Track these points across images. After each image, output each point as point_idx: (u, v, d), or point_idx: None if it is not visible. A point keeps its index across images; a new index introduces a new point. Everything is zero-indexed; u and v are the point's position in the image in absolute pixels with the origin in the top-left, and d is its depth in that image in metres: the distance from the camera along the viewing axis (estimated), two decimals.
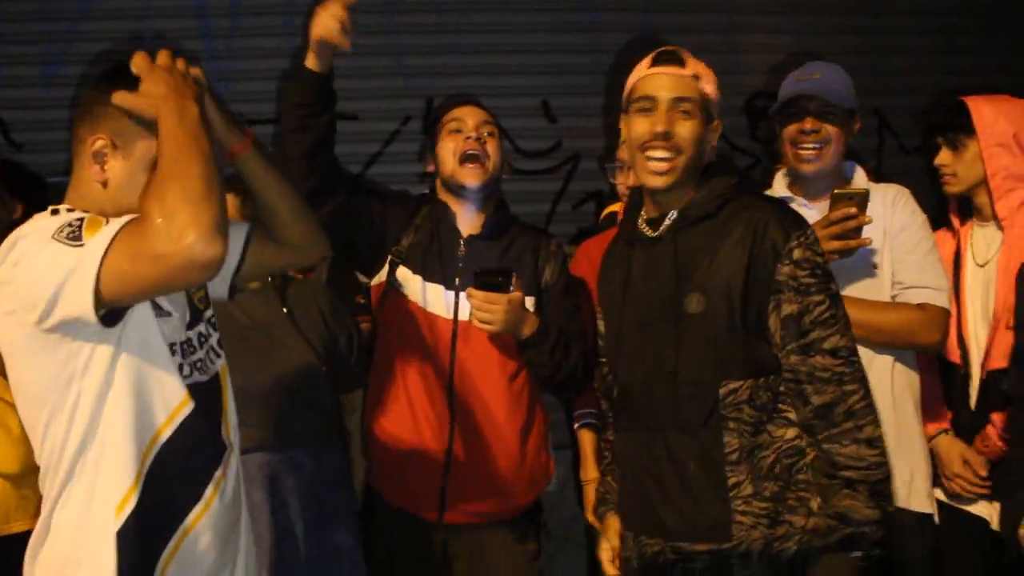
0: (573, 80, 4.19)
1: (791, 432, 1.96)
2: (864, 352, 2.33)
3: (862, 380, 1.96)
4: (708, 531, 1.97)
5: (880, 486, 1.92)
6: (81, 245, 1.50)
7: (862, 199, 2.35)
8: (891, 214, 2.51)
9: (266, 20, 4.09)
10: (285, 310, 2.79)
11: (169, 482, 1.68)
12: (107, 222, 1.54)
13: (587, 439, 2.92)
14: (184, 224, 1.45)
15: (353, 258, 2.73)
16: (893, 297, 2.48)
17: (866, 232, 2.38)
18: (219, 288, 1.89)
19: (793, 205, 2.51)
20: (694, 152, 2.02)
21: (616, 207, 3.33)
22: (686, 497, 1.98)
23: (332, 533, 2.78)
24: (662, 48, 2.08)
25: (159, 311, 1.69)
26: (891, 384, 2.49)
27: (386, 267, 2.61)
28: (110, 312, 1.55)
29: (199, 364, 1.77)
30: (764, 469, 1.95)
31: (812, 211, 2.51)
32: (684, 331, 2.00)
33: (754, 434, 1.96)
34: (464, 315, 2.48)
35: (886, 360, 2.48)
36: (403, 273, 2.58)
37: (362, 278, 2.93)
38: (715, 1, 4.32)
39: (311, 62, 2.39)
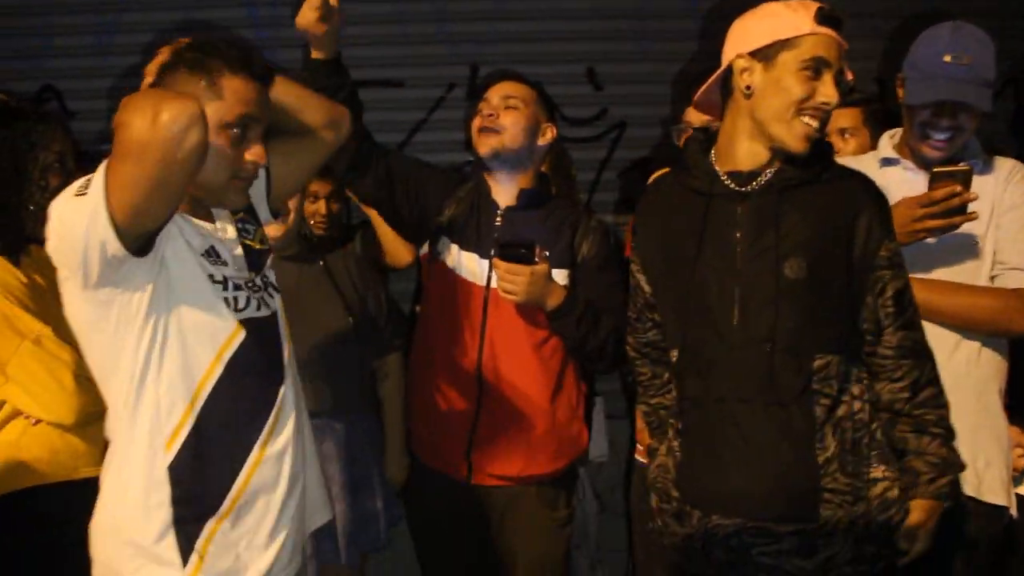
0: (619, 46, 4.14)
1: (859, 405, 1.99)
2: (950, 336, 2.32)
3: (928, 351, 2.06)
4: (796, 510, 1.94)
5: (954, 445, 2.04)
6: (86, 193, 1.57)
7: (965, 176, 2.24)
8: (1003, 190, 2.38)
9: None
10: (325, 271, 2.86)
11: (224, 415, 1.75)
12: None
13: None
14: (155, 111, 1.51)
15: (398, 227, 2.82)
16: (992, 278, 2.36)
17: (973, 206, 2.26)
18: (261, 211, 1.99)
19: (898, 168, 2.45)
20: None
21: (665, 171, 3.30)
22: (774, 475, 1.94)
23: (365, 497, 2.88)
24: (824, 5, 1.97)
25: (212, 257, 1.77)
26: (977, 370, 2.37)
27: (431, 237, 2.69)
28: (138, 240, 1.61)
29: (259, 300, 1.85)
30: (848, 443, 1.95)
31: (918, 176, 2.41)
32: (782, 296, 1.95)
33: (833, 408, 1.96)
34: (496, 284, 2.53)
35: (973, 345, 2.37)
36: (444, 243, 2.66)
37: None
38: None
39: (314, 51, 2.48)
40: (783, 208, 1.97)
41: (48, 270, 2.33)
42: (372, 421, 2.99)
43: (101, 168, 1.58)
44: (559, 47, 4.11)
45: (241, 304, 1.81)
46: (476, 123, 2.68)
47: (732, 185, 2.03)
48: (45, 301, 2.30)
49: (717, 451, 2.01)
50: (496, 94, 2.67)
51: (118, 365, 1.71)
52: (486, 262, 2.60)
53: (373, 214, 3.08)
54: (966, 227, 2.29)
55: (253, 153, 1.76)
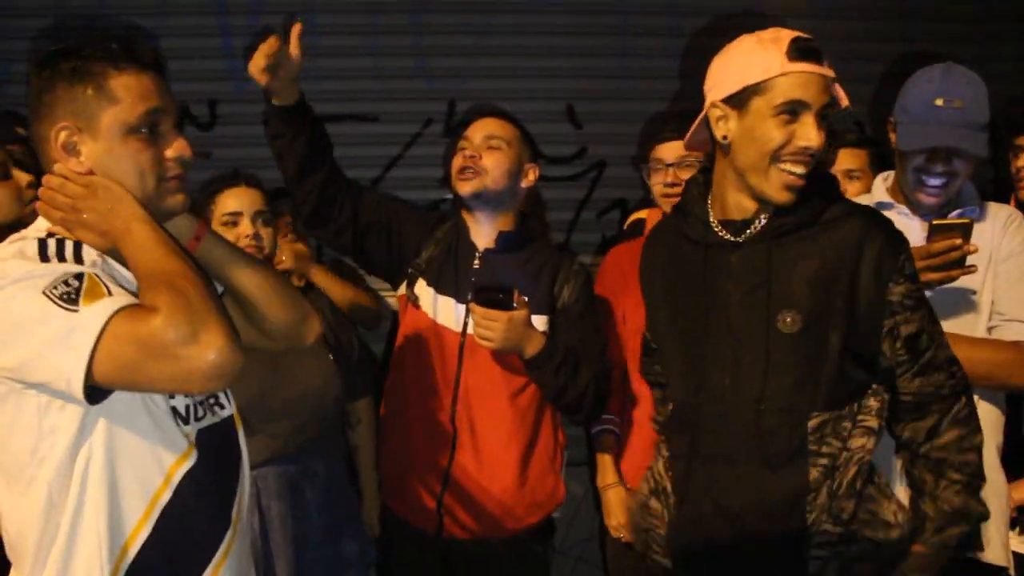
0: (599, 84, 4.07)
1: (870, 442, 1.86)
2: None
3: (967, 387, 1.92)
4: (783, 568, 1.84)
5: (980, 492, 1.91)
6: (75, 311, 1.35)
7: (965, 229, 2.17)
8: (1000, 238, 2.31)
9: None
10: None
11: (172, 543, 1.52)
12: (108, 291, 1.39)
13: (605, 445, 2.82)
14: (206, 332, 1.35)
15: (370, 269, 2.74)
16: (989, 329, 2.29)
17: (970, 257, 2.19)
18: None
19: (892, 213, 2.35)
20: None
21: (643, 214, 3.23)
22: (761, 540, 1.82)
23: (343, 541, 2.80)
24: (800, 36, 1.82)
25: None
26: None
27: (407, 278, 2.61)
28: (102, 393, 1.41)
29: (211, 403, 1.63)
30: (843, 487, 1.82)
31: (914, 222, 2.34)
32: (775, 352, 1.81)
33: (836, 465, 1.83)
34: (472, 329, 2.44)
35: (984, 407, 2.27)
36: (420, 286, 2.57)
37: (386, 292, 2.92)
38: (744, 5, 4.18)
39: (273, 97, 2.42)
40: (776, 258, 1.85)
41: None
42: (343, 465, 2.89)
43: (107, 305, 1.36)
44: (538, 84, 4.04)
45: (196, 412, 1.57)
46: (457, 162, 2.58)
47: (725, 235, 1.91)
48: None
49: (702, 515, 1.90)
50: (479, 133, 2.58)
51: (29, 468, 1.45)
52: (463, 307, 2.50)
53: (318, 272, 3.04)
54: (964, 277, 2.21)
55: (174, 149, 1.55)
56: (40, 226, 1.55)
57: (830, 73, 1.81)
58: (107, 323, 1.35)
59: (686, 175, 2.62)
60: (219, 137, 3.98)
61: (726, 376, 1.87)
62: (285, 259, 2.97)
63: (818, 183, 1.87)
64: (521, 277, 2.50)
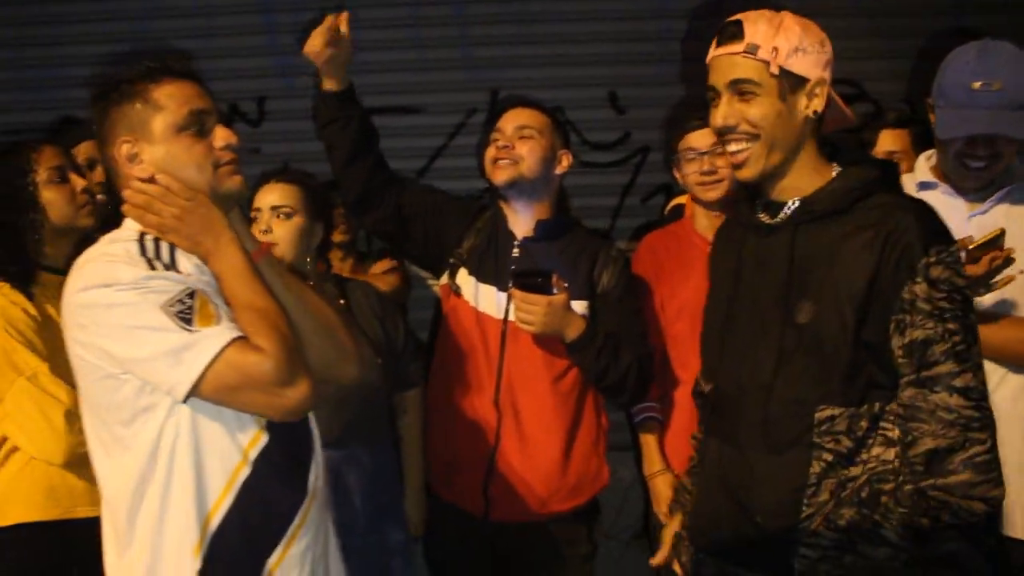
0: (641, 70, 4.07)
1: (890, 453, 1.73)
2: (995, 370, 2.19)
3: (992, 429, 1.69)
4: (770, 562, 1.81)
5: (988, 539, 1.73)
6: (191, 331, 1.53)
7: (998, 240, 2.13)
8: None
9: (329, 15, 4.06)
10: (343, 303, 2.78)
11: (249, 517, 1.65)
12: (216, 311, 1.56)
13: (648, 435, 2.83)
14: (299, 378, 1.56)
15: (413, 259, 2.83)
16: None
17: (1018, 232, 2.16)
18: None
19: (936, 192, 2.32)
20: (777, 132, 1.77)
21: (683, 199, 3.22)
22: (753, 523, 1.81)
23: (387, 529, 2.82)
24: (729, 20, 1.81)
25: None
26: (1022, 404, 2.25)
27: (449, 268, 2.66)
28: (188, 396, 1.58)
29: None
30: (849, 495, 1.73)
31: (958, 201, 2.31)
32: (788, 341, 1.78)
33: (847, 466, 1.74)
34: (513, 316, 2.49)
35: (1019, 379, 2.25)
36: (462, 275, 2.62)
37: (430, 279, 2.97)
38: None
39: (324, 81, 2.52)
40: (800, 244, 1.80)
41: (60, 297, 2.33)
42: (391, 453, 2.92)
43: (220, 335, 1.53)
44: (581, 71, 4.06)
45: None
46: (490, 153, 2.62)
47: (764, 217, 1.88)
48: (52, 333, 2.25)
49: (713, 493, 1.92)
50: (510, 124, 2.61)
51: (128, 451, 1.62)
52: (504, 295, 2.54)
53: None
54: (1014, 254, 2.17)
55: (220, 138, 1.69)
56: (130, 226, 1.70)
57: (739, 49, 1.77)
58: (224, 349, 1.53)
59: (721, 162, 2.62)
60: (267, 133, 4.07)
61: (742, 362, 1.86)
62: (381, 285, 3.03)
63: (863, 168, 1.82)
64: (560, 264, 2.53)
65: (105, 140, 1.69)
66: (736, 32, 1.78)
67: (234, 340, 1.54)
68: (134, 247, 1.62)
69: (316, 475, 1.76)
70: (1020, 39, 2.35)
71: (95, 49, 4.01)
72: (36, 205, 2.34)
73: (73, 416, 2.15)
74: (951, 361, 1.66)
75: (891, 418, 1.73)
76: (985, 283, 2.13)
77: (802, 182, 1.82)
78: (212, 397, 1.56)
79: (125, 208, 1.67)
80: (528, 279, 2.39)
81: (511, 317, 2.50)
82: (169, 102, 1.66)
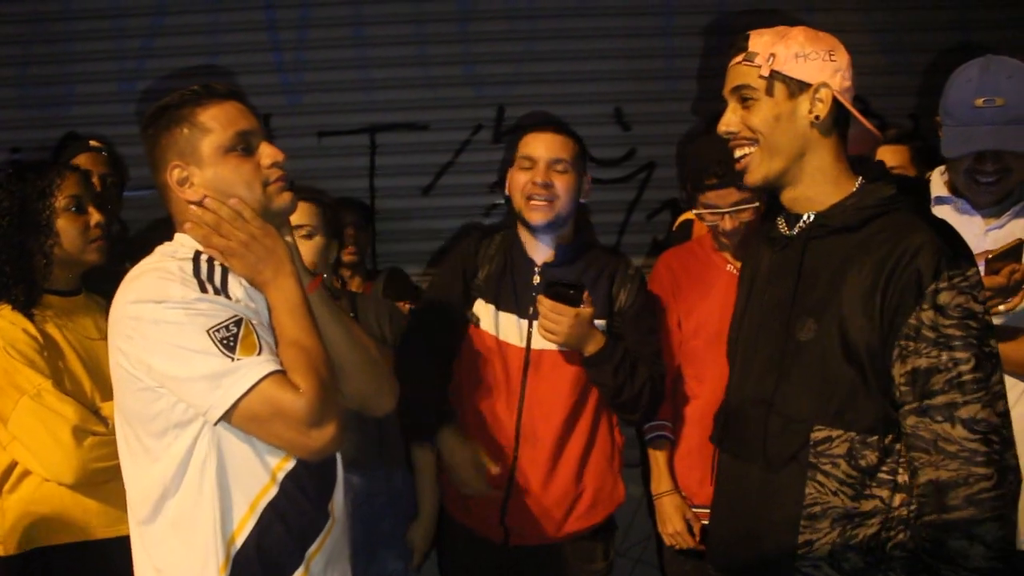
0: (647, 86, 4.07)
1: (899, 499, 1.68)
2: (1015, 384, 2.17)
3: (999, 466, 1.60)
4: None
5: None
6: (231, 359, 1.55)
7: (1016, 251, 2.12)
8: None
9: (336, 32, 4.08)
10: (353, 316, 2.76)
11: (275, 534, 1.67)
12: (258, 342, 1.58)
13: (658, 453, 2.81)
14: (329, 420, 1.59)
15: None
16: None
17: None
18: None
19: (951, 208, 2.31)
20: (777, 136, 1.75)
21: (691, 215, 3.21)
22: (754, 543, 1.79)
23: (384, 556, 2.78)
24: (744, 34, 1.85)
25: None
26: None
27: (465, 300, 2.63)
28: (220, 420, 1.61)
29: None
30: (859, 538, 1.68)
31: (974, 215, 2.31)
32: (788, 357, 1.75)
33: (855, 498, 1.68)
34: (536, 344, 2.49)
35: None
36: (479, 305, 2.59)
37: None
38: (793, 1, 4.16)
39: None
40: (810, 260, 1.77)
41: (63, 319, 2.30)
42: (394, 477, 2.87)
43: (258, 367, 1.56)
44: (586, 87, 4.06)
45: None
46: (522, 185, 2.51)
47: (783, 228, 1.87)
48: (55, 353, 2.23)
49: (721, 507, 1.93)
50: (543, 153, 2.51)
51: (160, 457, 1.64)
52: (525, 322, 2.53)
53: None
54: None
55: (267, 157, 1.71)
56: (186, 243, 1.72)
57: (739, 57, 1.82)
58: (260, 381, 1.55)
59: (744, 217, 2.58)
60: None
61: (747, 376, 1.86)
62: None
63: (882, 185, 1.77)
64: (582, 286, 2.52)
65: (156, 167, 1.71)
66: (742, 44, 1.82)
67: (272, 373, 1.56)
68: (189, 266, 1.65)
69: (335, 500, 1.76)
70: None
71: (100, 67, 4.03)
72: (50, 230, 2.30)
73: (81, 433, 2.13)
74: (955, 391, 1.60)
75: (901, 459, 1.68)
76: (1004, 295, 2.12)
77: (817, 194, 1.80)
78: (241, 426, 1.58)
79: (187, 227, 1.69)
80: (558, 288, 2.38)
81: (534, 346, 2.50)
82: (215, 124, 1.69)
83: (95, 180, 2.93)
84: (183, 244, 1.72)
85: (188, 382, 1.55)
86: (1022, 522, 2.15)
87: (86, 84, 4.03)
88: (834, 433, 1.70)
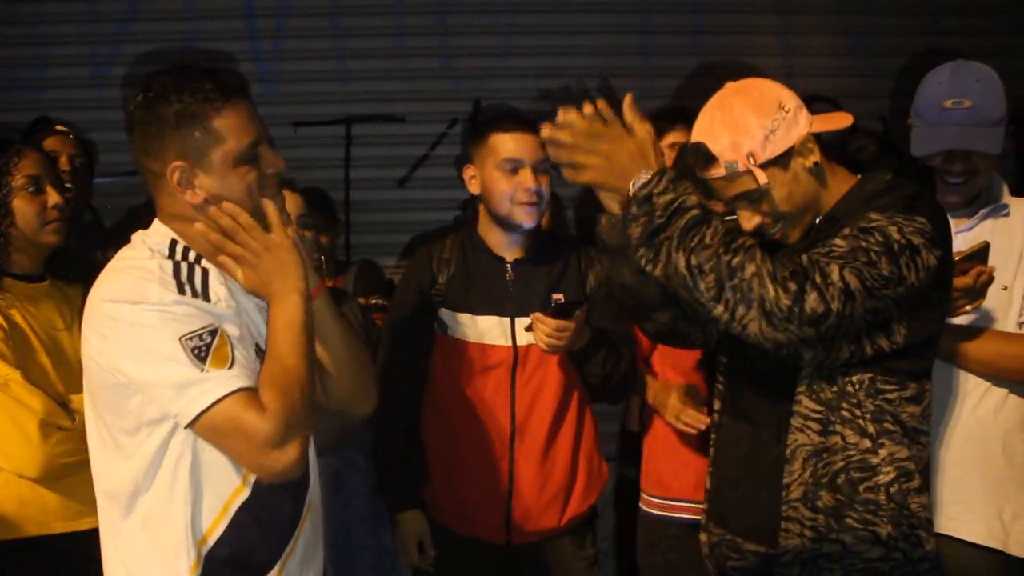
0: (624, 84, 4.09)
1: (865, 443, 1.82)
2: (978, 384, 2.25)
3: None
4: (758, 531, 1.89)
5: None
6: (200, 369, 1.52)
7: (983, 253, 2.17)
8: None
9: (314, 21, 4.07)
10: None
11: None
12: (232, 358, 1.55)
13: (647, 379, 2.77)
14: (292, 443, 1.55)
15: None
16: (1020, 324, 2.28)
17: (1003, 247, 2.23)
18: None
19: None
20: (796, 200, 1.87)
21: None
22: (747, 492, 1.91)
23: (382, 531, 2.89)
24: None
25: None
26: (1003, 418, 2.28)
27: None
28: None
29: None
30: (827, 476, 1.82)
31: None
32: None
33: (822, 433, 1.83)
34: (522, 341, 2.52)
35: (1000, 393, 2.27)
36: (445, 312, 2.59)
37: None
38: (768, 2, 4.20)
39: None
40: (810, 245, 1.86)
41: (26, 306, 2.25)
42: (358, 458, 2.94)
43: (226, 382, 1.53)
44: (562, 83, 4.06)
45: None
46: (510, 189, 2.50)
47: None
48: (21, 341, 2.19)
49: (718, 462, 2.03)
50: (529, 159, 2.51)
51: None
52: (507, 320, 2.55)
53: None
54: (995, 272, 2.21)
55: (271, 166, 1.68)
56: (161, 231, 1.67)
57: (718, 172, 1.85)
58: (224, 397, 1.52)
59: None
60: None
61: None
62: None
63: (875, 174, 1.91)
64: (555, 275, 2.58)
65: (148, 152, 1.63)
66: (707, 156, 1.84)
67: (239, 391, 1.53)
68: (169, 266, 1.61)
69: (310, 496, 1.75)
70: (998, 61, 2.43)
71: (74, 50, 4.00)
72: (5, 210, 2.25)
73: (48, 427, 2.09)
74: (853, 256, 1.69)
75: (867, 409, 1.81)
76: (971, 296, 2.16)
77: (829, 201, 1.92)
78: (204, 437, 1.56)
79: (197, 226, 1.64)
80: (565, 307, 2.43)
81: (519, 341, 2.53)
82: (230, 133, 1.63)
83: (63, 161, 2.91)
84: (158, 232, 1.67)
85: (156, 387, 1.53)
86: (940, 504, 2.24)
87: (59, 68, 3.99)
88: (812, 387, 1.84)
